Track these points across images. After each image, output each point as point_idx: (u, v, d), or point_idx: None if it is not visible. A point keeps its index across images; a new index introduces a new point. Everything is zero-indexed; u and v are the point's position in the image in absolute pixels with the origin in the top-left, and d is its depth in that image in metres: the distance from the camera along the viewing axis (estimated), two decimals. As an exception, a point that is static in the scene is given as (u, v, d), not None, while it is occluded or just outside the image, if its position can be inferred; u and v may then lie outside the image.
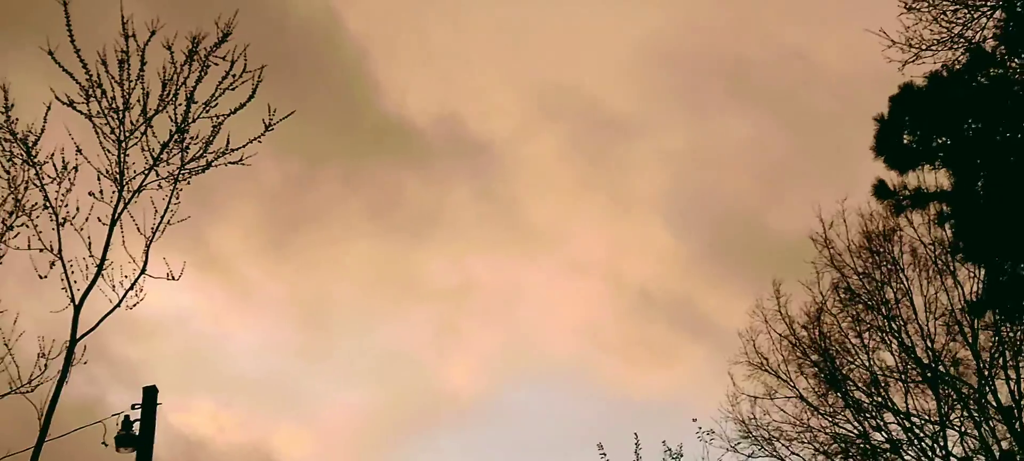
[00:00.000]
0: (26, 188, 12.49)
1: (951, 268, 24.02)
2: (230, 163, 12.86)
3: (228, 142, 12.77)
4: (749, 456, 24.68)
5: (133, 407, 17.75)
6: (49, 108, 12.16)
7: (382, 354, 47.62)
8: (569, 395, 47.04)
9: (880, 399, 24.59)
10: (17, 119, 12.20)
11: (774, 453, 24.78)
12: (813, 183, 47.17)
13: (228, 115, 12.62)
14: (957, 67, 19.93)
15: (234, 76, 12.46)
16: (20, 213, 12.50)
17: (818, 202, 25.86)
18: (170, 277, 13.05)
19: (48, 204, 12.53)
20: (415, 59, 49.91)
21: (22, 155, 12.32)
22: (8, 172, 12.37)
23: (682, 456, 22.12)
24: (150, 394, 17.89)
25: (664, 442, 22.16)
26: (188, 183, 12.91)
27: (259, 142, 12.83)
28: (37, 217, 12.53)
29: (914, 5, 18.89)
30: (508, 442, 45.49)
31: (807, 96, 47.83)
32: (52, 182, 12.47)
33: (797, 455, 24.82)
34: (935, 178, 21.41)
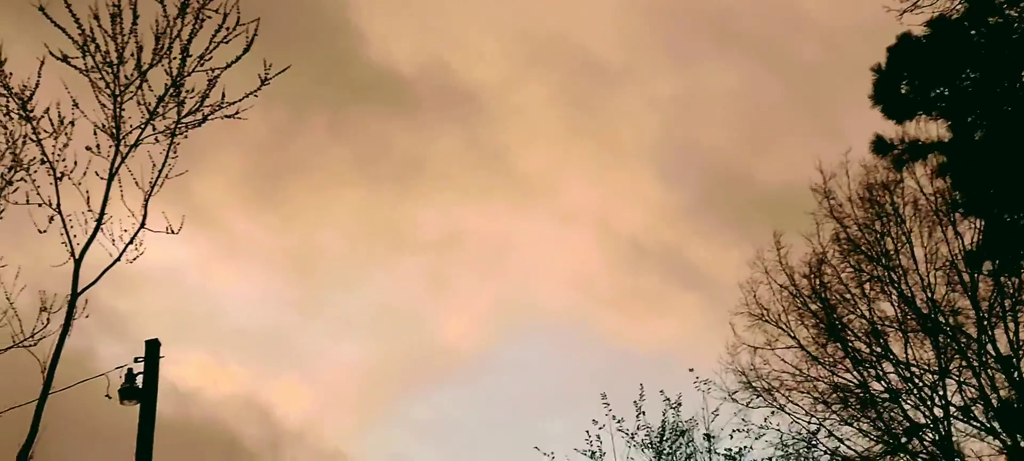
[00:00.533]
0: (23, 143, 12.57)
1: (951, 218, 24.07)
2: (226, 116, 12.94)
3: (223, 96, 12.82)
4: (747, 405, 24.87)
5: (136, 360, 18.02)
6: (43, 63, 12.22)
7: (375, 306, 47.59)
8: (565, 347, 47.29)
9: (879, 349, 24.76)
10: (12, 74, 12.28)
11: (773, 402, 24.99)
12: (801, 133, 47.16)
13: (223, 69, 12.65)
14: (955, 16, 19.90)
15: (227, 29, 12.50)
16: (18, 168, 12.60)
17: (817, 154, 25.90)
18: (169, 231, 13.15)
19: (45, 159, 12.62)
20: (398, 6, 49.15)
21: (18, 110, 12.41)
22: (5, 127, 12.46)
23: (681, 405, 22.36)
24: (153, 347, 18.14)
25: (662, 391, 22.41)
26: (185, 137, 12.98)
27: (255, 96, 12.91)
28: (35, 172, 12.62)
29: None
30: (505, 395, 45.76)
31: (793, 45, 47.61)
32: (49, 137, 12.54)
33: (796, 404, 25.03)
34: (935, 128, 21.41)
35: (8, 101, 12.33)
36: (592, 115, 49.98)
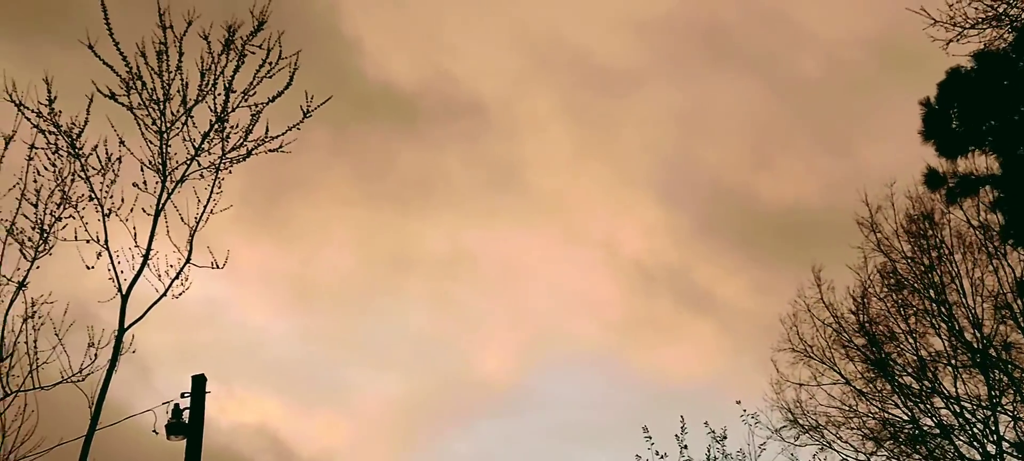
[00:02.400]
0: (72, 180, 12.77)
1: (1001, 251, 23.66)
2: (270, 150, 13.09)
3: (267, 130, 13.01)
4: (795, 441, 24.51)
5: (182, 395, 18.06)
6: (91, 101, 12.43)
7: (389, 333, 46.58)
8: (589, 376, 46.02)
9: (929, 384, 24.29)
10: (61, 112, 12.49)
11: (821, 439, 24.60)
12: (804, 149, 46.57)
13: (266, 103, 12.85)
14: (1003, 47, 19.65)
15: (270, 64, 12.68)
16: (67, 205, 12.78)
17: (863, 187, 25.51)
18: (214, 266, 13.28)
19: (94, 196, 12.83)
20: (395, 17, 48.27)
21: (67, 148, 12.60)
22: (54, 165, 12.64)
23: (726, 438, 22.11)
24: (199, 382, 18.16)
25: (706, 424, 22.18)
26: (229, 172, 13.17)
27: (298, 129, 13.05)
28: (83, 209, 12.83)
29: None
30: (539, 428, 44.99)
31: (793, 61, 47.07)
32: (97, 174, 12.76)
33: (845, 441, 24.62)
34: (985, 162, 21.12)
35: (57, 138, 12.53)
36: (595, 130, 48.84)
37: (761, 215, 43.98)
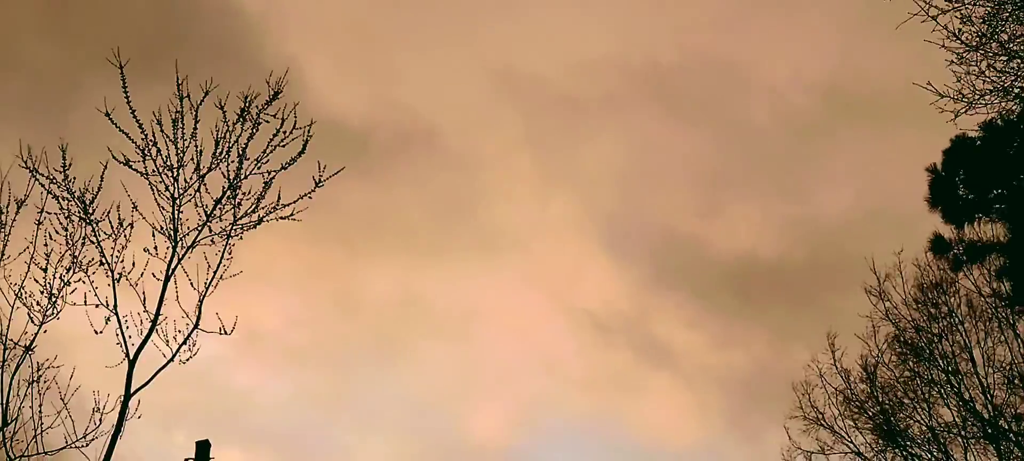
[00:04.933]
0: (83, 244, 12.74)
1: (1011, 320, 23.56)
2: (281, 218, 13.08)
3: (279, 197, 13.02)
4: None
5: (187, 460, 17.95)
6: (106, 167, 12.46)
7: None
8: (568, 441, 44.60)
9: (940, 455, 24.09)
10: (75, 178, 12.51)
11: (833, 509, 24.40)
12: (750, 196, 46.19)
13: (279, 171, 12.88)
14: (1012, 117, 19.72)
15: (284, 133, 12.73)
16: (77, 269, 12.75)
17: (871, 254, 25.48)
18: (222, 331, 13.21)
19: (104, 260, 12.79)
20: (342, 49, 47.06)
21: (79, 213, 12.60)
22: (66, 229, 12.64)
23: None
24: (203, 448, 18.08)
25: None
26: (240, 238, 13.15)
27: (309, 198, 13.05)
28: (94, 273, 12.78)
29: (966, 56, 18.73)
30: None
31: (740, 108, 46.72)
32: (108, 239, 12.74)
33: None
34: (992, 230, 21.10)
35: (70, 204, 12.54)
36: (546, 171, 48.05)
37: (715, 264, 43.57)
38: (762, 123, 45.14)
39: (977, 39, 18.49)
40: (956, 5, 17.57)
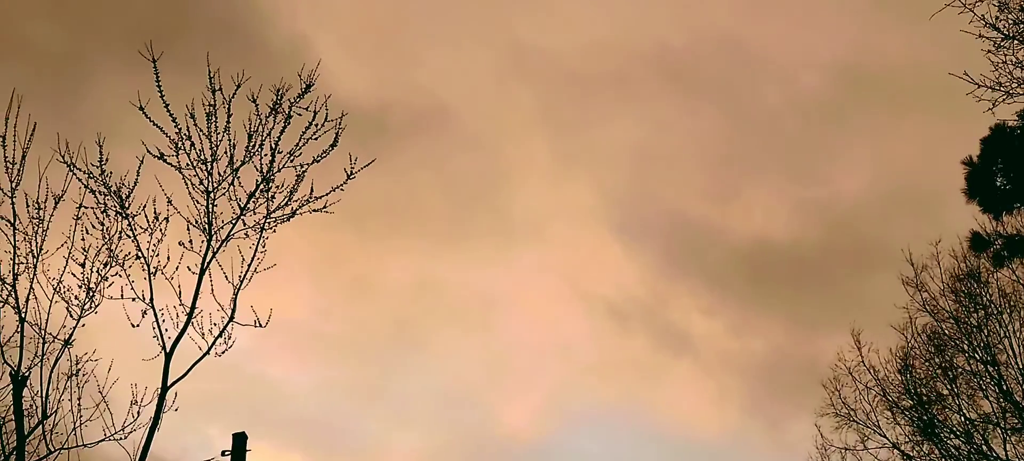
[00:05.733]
0: (119, 239, 12.88)
1: (1051, 310, 23.30)
2: (313, 210, 13.18)
3: (312, 190, 13.10)
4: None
5: (223, 453, 18.10)
6: (142, 161, 12.58)
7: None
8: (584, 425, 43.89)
9: (978, 447, 23.83)
10: (111, 172, 12.64)
11: (869, 504, 24.22)
12: (765, 180, 45.35)
13: (311, 164, 12.96)
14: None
15: (316, 126, 12.81)
16: (113, 264, 12.89)
17: (908, 245, 25.23)
18: (257, 324, 13.31)
19: (140, 254, 12.91)
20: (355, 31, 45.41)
21: (116, 207, 12.74)
22: (103, 224, 12.78)
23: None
24: (240, 440, 18.21)
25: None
26: (273, 231, 13.24)
27: (341, 190, 13.13)
28: (130, 267, 12.91)
29: (1003, 43, 18.51)
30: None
31: (748, 88, 45.85)
32: (144, 233, 12.86)
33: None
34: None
35: (107, 198, 12.67)
36: (561, 153, 47.22)
37: (730, 249, 43.00)
38: (775, 105, 44.50)
39: (1014, 27, 18.31)
40: (992, -8, 17.42)
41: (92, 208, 12.62)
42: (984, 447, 23.79)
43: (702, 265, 44.04)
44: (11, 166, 12.28)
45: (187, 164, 12.71)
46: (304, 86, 12.74)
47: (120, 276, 12.86)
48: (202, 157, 12.73)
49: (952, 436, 24.19)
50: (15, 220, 12.45)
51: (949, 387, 24.36)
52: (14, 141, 12.27)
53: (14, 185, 12.32)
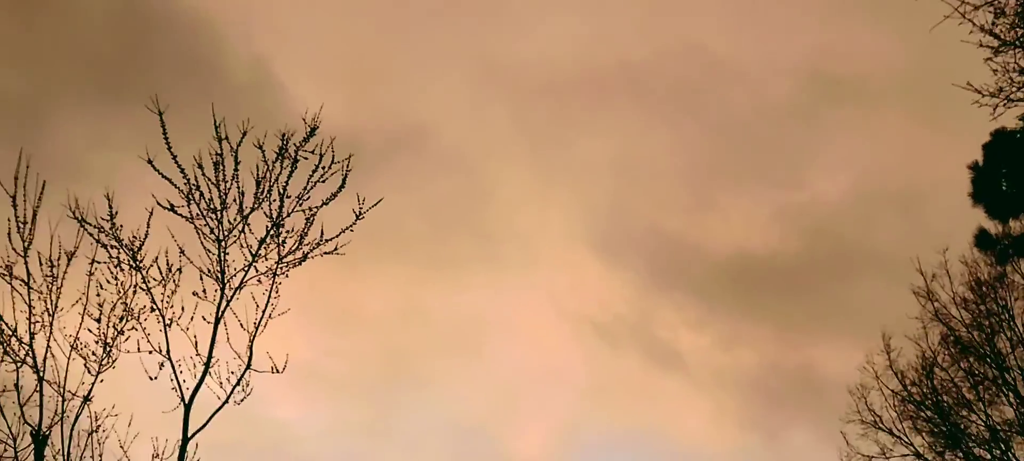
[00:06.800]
0: (134, 292, 12.96)
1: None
2: (325, 253, 13.25)
3: (322, 233, 13.17)
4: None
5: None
6: (152, 213, 12.68)
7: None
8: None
9: (1001, 455, 23.69)
10: (122, 226, 12.74)
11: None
12: (740, 188, 44.98)
13: (320, 207, 13.05)
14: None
15: (323, 168, 12.90)
16: (129, 317, 12.97)
17: (917, 255, 25.16)
18: (274, 370, 13.35)
19: (155, 306, 13.01)
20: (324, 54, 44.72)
21: (128, 261, 12.83)
22: (116, 278, 12.87)
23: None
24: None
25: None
26: (286, 276, 13.31)
27: (351, 231, 13.21)
28: (145, 320, 13.00)
29: (1002, 48, 18.60)
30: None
31: (715, 95, 45.50)
32: (158, 285, 12.94)
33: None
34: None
35: (119, 252, 12.76)
36: (538, 169, 46.62)
37: (712, 261, 42.66)
38: (742, 112, 44.23)
39: (1011, 33, 18.39)
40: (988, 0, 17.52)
41: (105, 263, 12.73)
42: (1008, 455, 23.63)
43: (685, 278, 43.71)
44: (23, 225, 12.40)
45: (197, 214, 12.82)
46: (309, 129, 12.85)
47: (136, 329, 12.97)
48: (212, 206, 12.84)
49: (975, 444, 24.05)
50: (29, 279, 12.55)
51: (970, 394, 24.26)
52: (24, 200, 12.41)
53: (26, 244, 12.45)
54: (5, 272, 12.44)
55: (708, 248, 43.90)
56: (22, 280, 12.54)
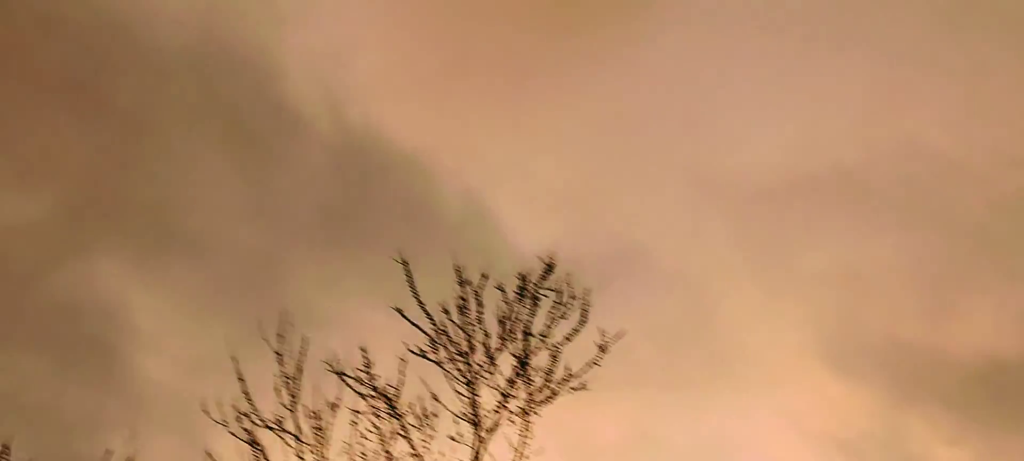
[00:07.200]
0: (394, 439, 13.46)
1: None
2: (573, 389, 13.32)
3: (568, 369, 13.27)
4: None
5: None
6: (405, 362, 13.26)
7: None
8: None
9: None
10: (378, 376, 13.36)
11: None
12: (980, 289, 39.75)
13: (563, 343, 13.20)
14: None
15: (563, 305, 13.08)
16: (390, 463, 13.42)
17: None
18: (530, 507, 13.37)
19: (414, 452, 13.42)
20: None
21: (386, 409, 13.37)
22: (377, 427, 13.43)
23: None
24: None
25: None
26: (537, 415, 13.46)
27: (597, 365, 13.25)
28: (407, 466, 13.41)
29: None
30: None
31: (940, 195, 40.71)
32: (415, 429, 13.37)
33: None
34: None
35: (376, 401, 13.34)
36: (761, 281, 43.62)
37: (960, 370, 38.40)
38: (974, 208, 40.61)
39: None
40: None
41: (364, 412, 13.32)
42: None
43: (932, 389, 40.09)
44: (290, 381, 13.24)
45: (446, 358, 13.24)
46: (546, 266, 13.11)
47: (399, 476, 13.37)
48: (459, 350, 13.23)
49: None
50: (299, 433, 13.30)
51: None
52: (290, 358, 13.28)
53: (293, 399, 13.25)
54: (276, 425, 13.27)
55: (954, 356, 40.56)
56: (293, 434, 13.33)
